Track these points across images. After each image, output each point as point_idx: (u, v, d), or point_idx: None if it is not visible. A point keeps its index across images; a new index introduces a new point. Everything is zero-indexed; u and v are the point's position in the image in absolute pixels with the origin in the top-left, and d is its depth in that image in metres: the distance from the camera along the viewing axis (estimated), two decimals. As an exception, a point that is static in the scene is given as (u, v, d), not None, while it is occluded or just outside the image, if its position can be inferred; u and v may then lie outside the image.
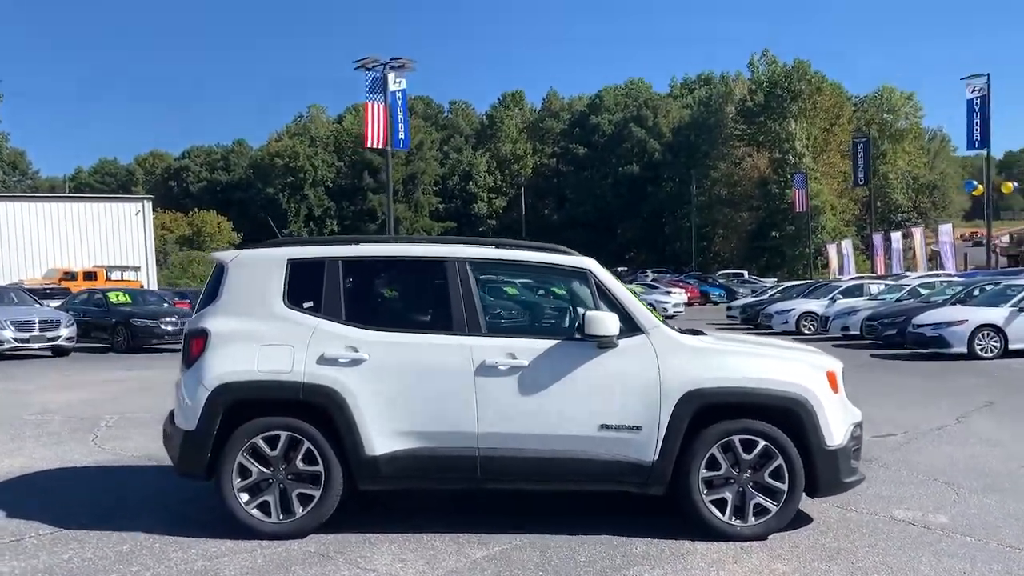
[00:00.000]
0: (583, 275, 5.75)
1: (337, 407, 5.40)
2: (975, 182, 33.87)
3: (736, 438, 5.41)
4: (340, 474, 5.45)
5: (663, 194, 78.85)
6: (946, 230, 38.97)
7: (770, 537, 5.40)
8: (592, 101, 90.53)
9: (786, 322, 25.29)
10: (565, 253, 5.92)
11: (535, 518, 5.79)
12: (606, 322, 5.39)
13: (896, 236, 44.08)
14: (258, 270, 5.76)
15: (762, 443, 5.40)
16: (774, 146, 64.18)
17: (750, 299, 32.44)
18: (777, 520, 5.42)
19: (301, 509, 5.45)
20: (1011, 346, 16.79)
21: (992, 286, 19.81)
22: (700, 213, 71.74)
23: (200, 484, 6.31)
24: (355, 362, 5.45)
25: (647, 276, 53.62)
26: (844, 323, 22.62)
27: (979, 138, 32.67)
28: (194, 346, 5.61)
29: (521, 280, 6.40)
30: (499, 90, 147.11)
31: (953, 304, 18.91)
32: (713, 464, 5.42)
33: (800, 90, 65.36)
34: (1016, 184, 44.26)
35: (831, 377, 5.62)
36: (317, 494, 5.45)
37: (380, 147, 32.93)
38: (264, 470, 5.47)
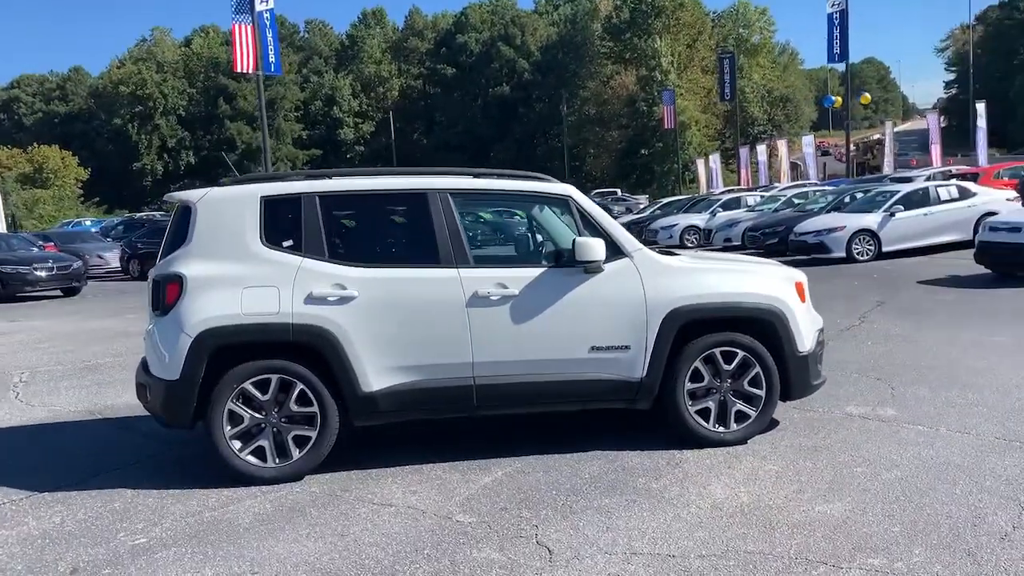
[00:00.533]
0: (564, 202, 5.80)
1: (330, 346, 5.31)
2: (833, 96, 35.56)
3: (717, 351, 5.68)
4: (336, 413, 5.40)
5: (535, 115, 79.07)
6: (808, 141, 41.01)
7: (750, 441, 5.74)
8: (457, 19, 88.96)
9: (671, 237, 26.18)
10: (544, 180, 5.94)
11: (523, 444, 5.92)
12: (595, 248, 5.49)
13: (761, 149, 46.02)
14: (230, 210, 5.51)
15: (741, 354, 5.70)
16: (641, 63, 65.15)
17: (633, 216, 33.28)
18: (757, 424, 5.77)
19: (298, 451, 5.38)
20: (884, 249, 18.09)
21: (862, 194, 21.14)
22: (571, 133, 72.44)
23: (169, 434, 6.17)
24: (344, 300, 5.35)
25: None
26: (727, 235, 23.68)
27: (839, 51, 34.24)
28: (169, 292, 5.35)
29: (495, 209, 6.38)
30: (358, 8, 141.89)
31: (829, 212, 20.10)
32: (696, 376, 5.68)
33: (664, 6, 66.28)
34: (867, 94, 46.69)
35: (799, 287, 5.95)
36: (313, 435, 5.39)
37: (250, 72, 31.33)
38: (256, 415, 5.34)
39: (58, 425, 7.27)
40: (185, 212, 5.57)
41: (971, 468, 5.05)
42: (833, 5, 33.46)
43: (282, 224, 5.50)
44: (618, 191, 60.22)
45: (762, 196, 27.45)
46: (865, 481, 4.94)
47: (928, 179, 23.48)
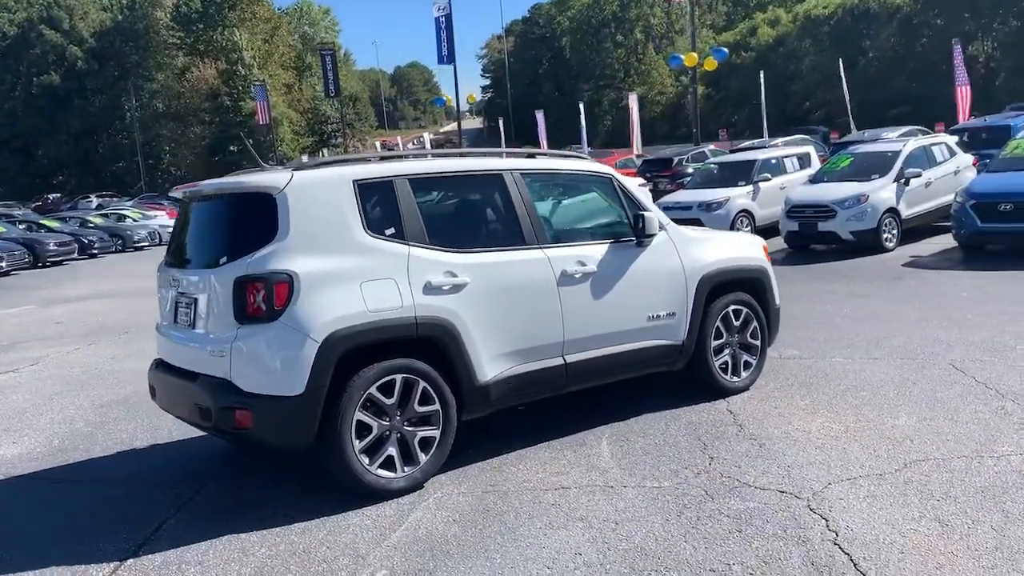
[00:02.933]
0: (608, 180, 6.13)
1: (451, 338, 5.06)
2: (444, 98, 38.04)
3: (730, 309, 6.48)
4: (455, 409, 5.14)
5: (94, 108, 71.13)
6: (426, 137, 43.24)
7: (753, 387, 6.62)
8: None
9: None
10: (587, 160, 6.20)
11: (577, 416, 6.14)
12: (656, 222, 5.94)
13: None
14: (325, 197, 4.92)
15: (745, 310, 6.57)
16: (220, 56, 62.38)
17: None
18: (757, 371, 6.69)
19: (423, 455, 5.03)
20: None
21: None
22: (143, 129, 66.73)
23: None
24: (457, 288, 5.13)
25: (91, 202, 49.17)
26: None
27: (447, 53, 36.71)
28: (278, 293, 4.63)
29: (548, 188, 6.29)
30: None
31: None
32: (717, 334, 6.42)
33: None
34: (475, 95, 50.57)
35: (766, 250, 6.99)
36: (436, 434, 5.08)
37: None
38: (382, 422, 4.88)
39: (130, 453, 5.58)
40: (265, 201, 4.82)
41: (858, 371, 6.52)
42: (440, 10, 35.77)
43: (380, 210, 5.08)
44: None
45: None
46: (867, 396, 6.13)
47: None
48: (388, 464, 4.90)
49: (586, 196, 6.18)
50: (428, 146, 40.28)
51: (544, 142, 44.47)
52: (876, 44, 55.70)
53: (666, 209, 16.56)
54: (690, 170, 21.28)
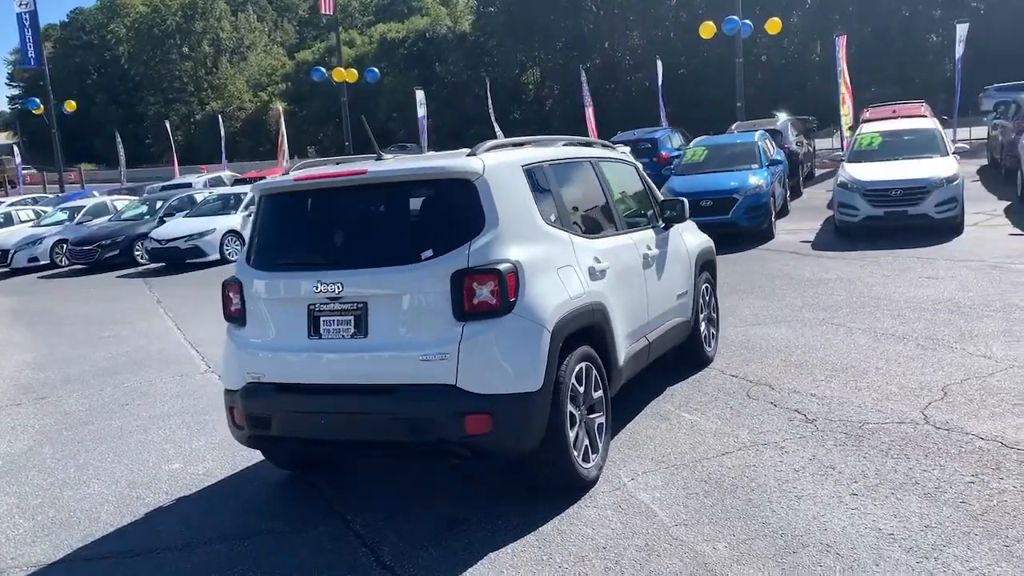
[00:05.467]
0: (637, 169, 6.47)
1: (607, 322, 5.11)
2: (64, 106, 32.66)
3: (704, 286, 7.22)
4: (609, 393, 5.16)
5: None
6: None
7: (717, 357, 7.43)
8: None
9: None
10: (611, 147, 6.46)
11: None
12: (688, 208, 6.45)
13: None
14: (512, 182, 4.66)
15: (710, 286, 7.37)
16: None
17: None
18: (717, 340, 7.52)
19: (600, 441, 4.98)
20: (250, 248, 19.17)
21: (185, 198, 21.70)
22: None
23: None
24: (603, 273, 5.17)
25: None
26: (31, 253, 20.99)
27: (34, 55, 31.77)
28: (511, 284, 4.28)
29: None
30: None
31: (186, 217, 20.00)
32: (699, 309, 7.12)
33: None
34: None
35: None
36: (604, 420, 5.05)
37: None
38: (576, 412, 4.74)
39: None
40: (463, 187, 4.41)
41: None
42: (21, 5, 30.87)
43: (543, 196, 4.91)
44: None
45: (45, 211, 24.46)
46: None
47: (206, 185, 25.19)
48: (584, 455, 4.78)
49: (626, 183, 6.41)
50: None
51: (122, 159, 41.10)
52: (447, 68, 60.47)
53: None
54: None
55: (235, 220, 19.21)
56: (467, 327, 4.26)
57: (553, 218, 4.91)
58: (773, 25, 22.53)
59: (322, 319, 4.52)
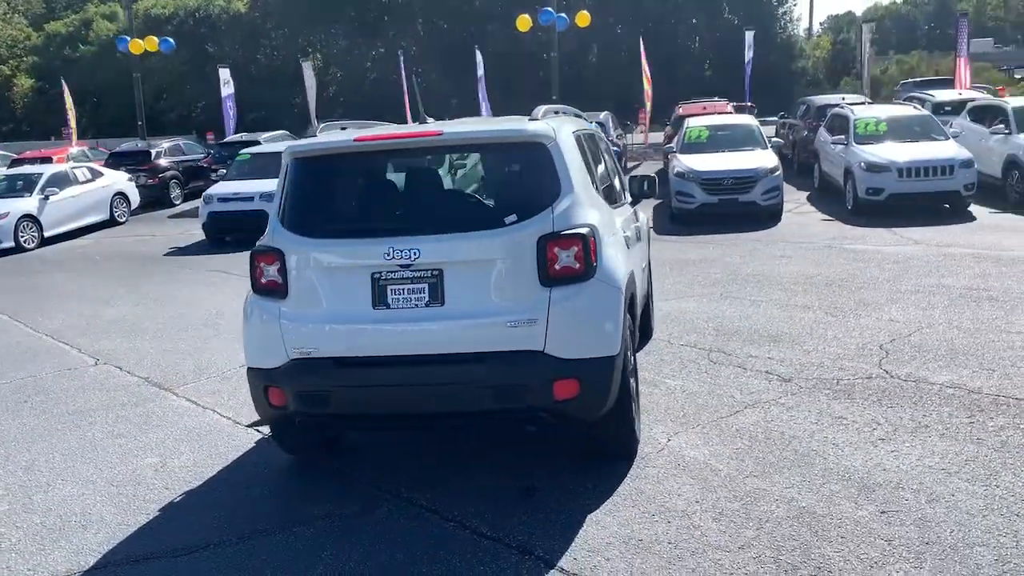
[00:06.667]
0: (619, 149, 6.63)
1: (636, 289, 5.26)
2: None
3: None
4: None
5: None
6: None
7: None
8: None
9: None
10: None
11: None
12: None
13: None
14: (574, 148, 4.67)
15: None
16: None
17: None
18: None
19: (636, 404, 5.12)
20: (46, 233, 17.37)
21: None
22: None
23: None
24: (626, 241, 5.33)
25: None
26: None
27: None
28: (592, 250, 4.32)
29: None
30: None
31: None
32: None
33: None
34: None
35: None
36: (636, 383, 5.20)
37: None
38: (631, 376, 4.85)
39: None
40: (536, 153, 4.38)
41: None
42: None
43: (586, 165, 4.93)
44: None
45: None
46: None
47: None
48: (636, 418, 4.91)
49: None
50: None
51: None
52: (222, 51, 57.34)
53: (223, 200, 15.99)
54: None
55: (31, 203, 17.23)
56: (554, 292, 4.23)
57: (595, 186, 4.97)
58: (582, 18, 23.54)
59: (389, 288, 4.28)
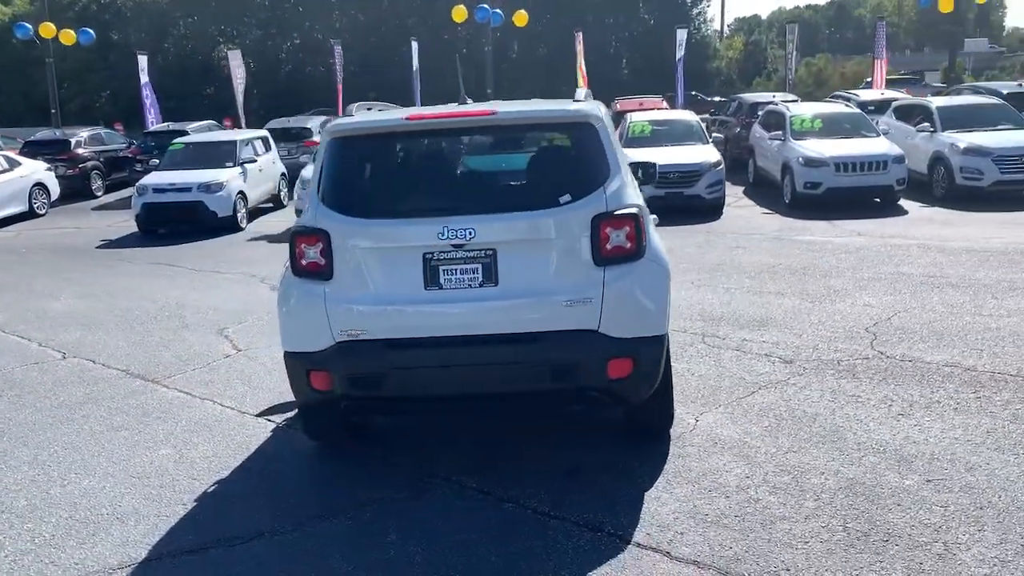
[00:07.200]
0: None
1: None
2: None
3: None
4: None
5: None
6: None
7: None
8: None
9: None
10: None
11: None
12: (655, 170, 6.79)
13: None
14: (612, 130, 4.65)
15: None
16: None
17: None
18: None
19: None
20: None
21: None
22: None
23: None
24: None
25: None
26: None
27: None
28: (642, 229, 4.36)
29: None
30: None
31: None
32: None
33: None
34: None
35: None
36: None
37: None
38: (666, 357, 4.93)
39: None
40: (585, 133, 4.39)
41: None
42: None
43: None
44: None
45: None
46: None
47: None
48: (671, 398, 4.98)
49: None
50: None
51: None
52: (128, 37, 55.18)
53: (158, 191, 15.40)
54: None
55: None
56: (608, 271, 4.25)
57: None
58: (520, 18, 23.63)
59: (442, 268, 4.22)
